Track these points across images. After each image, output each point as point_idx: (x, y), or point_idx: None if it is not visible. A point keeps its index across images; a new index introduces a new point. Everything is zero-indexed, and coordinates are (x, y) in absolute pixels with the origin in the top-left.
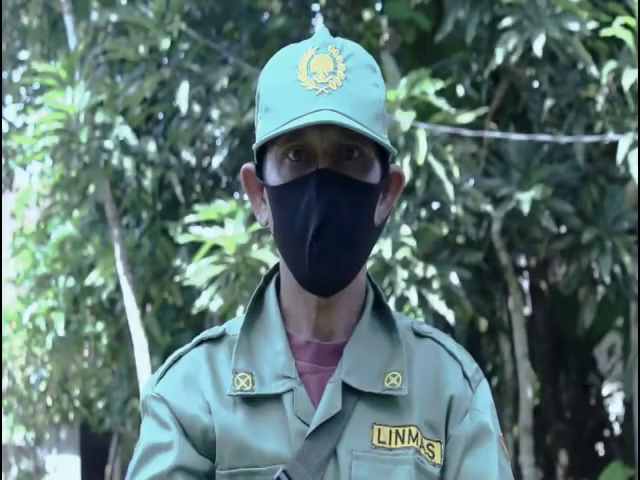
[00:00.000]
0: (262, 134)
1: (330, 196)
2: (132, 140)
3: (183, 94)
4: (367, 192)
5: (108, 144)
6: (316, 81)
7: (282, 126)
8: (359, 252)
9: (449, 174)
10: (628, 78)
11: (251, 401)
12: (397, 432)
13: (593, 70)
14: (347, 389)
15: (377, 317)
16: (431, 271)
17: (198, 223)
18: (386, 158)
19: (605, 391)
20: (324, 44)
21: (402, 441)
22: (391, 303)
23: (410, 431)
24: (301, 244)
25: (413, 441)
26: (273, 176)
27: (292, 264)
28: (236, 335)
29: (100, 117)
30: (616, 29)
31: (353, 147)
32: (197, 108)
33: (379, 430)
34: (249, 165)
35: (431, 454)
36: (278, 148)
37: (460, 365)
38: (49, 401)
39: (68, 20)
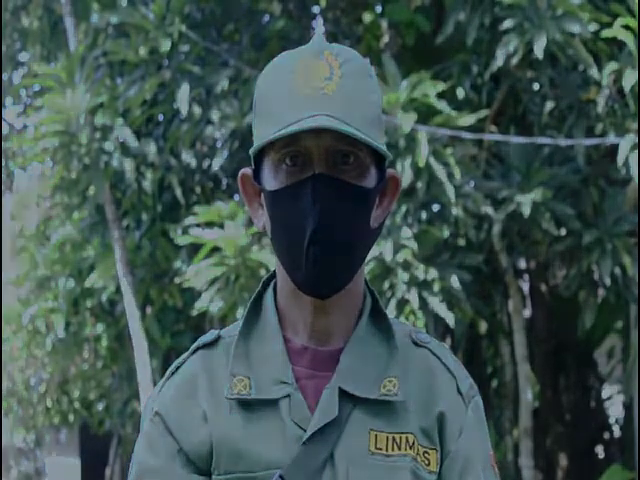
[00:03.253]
0: (259, 139)
1: (326, 201)
2: (132, 142)
3: (183, 96)
4: (363, 196)
5: (108, 146)
6: (312, 87)
7: (278, 131)
8: (355, 256)
9: (450, 176)
10: (629, 79)
11: (248, 406)
12: (394, 439)
13: (594, 72)
14: (343, 395)
15: (374, 323)
16: (432, 273)
17: (198, 225)
18: (382, 163)
19: (605, 394)
20: (320, 50)
21: (399, 448)
22: (392, 305)
23: (407, 438)
24: (298, 248)
25: (410, 449)
26: (270, 181)
27: (289, 267)
28: (232, 338)
29: (100, 119)
30: (617, 30)
31: (349, 152)
32: (197, 110)
33: (376, 436)
34: (246, 170)
35: (427, 461)
36: (275, 153)
37: (455, 380)
38: (49, 403)
39: (68, 22)
